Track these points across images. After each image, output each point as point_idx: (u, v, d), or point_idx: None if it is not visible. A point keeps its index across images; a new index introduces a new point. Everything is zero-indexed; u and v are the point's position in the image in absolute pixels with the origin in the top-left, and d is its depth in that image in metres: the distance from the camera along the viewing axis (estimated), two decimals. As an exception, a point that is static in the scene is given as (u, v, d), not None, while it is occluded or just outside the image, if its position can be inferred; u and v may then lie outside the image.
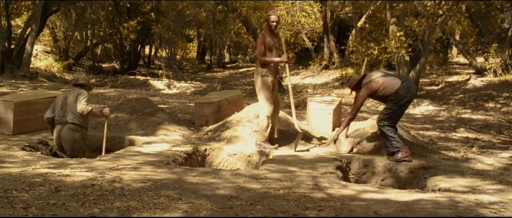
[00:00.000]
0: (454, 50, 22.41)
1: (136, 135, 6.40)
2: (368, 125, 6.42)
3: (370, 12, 19.96)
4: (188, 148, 5.76)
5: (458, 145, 7.00)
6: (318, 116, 7.13)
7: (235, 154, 5.88)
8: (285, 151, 5.83)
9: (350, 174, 5.54)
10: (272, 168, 4.79)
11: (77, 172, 4.20)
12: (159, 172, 4.38)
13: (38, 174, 4.07)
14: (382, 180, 5.46)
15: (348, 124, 5.81)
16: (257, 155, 5.79)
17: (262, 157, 5.72)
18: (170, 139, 6.30)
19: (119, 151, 5.45)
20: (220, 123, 6.95)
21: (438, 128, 8.76)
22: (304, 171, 4.71)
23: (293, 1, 20.16)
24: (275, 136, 6.17)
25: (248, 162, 5.78)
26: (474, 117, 11.52)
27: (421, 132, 7.94)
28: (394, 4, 15.01)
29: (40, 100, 6.36)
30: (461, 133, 8.27)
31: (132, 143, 6.14)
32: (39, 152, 5.28)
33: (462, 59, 21.72)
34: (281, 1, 19.75)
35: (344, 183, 4.36)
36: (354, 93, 5.80)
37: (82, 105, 5.37)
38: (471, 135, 8.07)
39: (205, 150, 5.96)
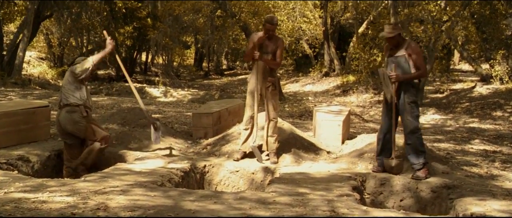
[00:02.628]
0: (456, 57, 21.97)
1: (127, 149, 5.82)
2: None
3: (371, 18, 19.50)
4: (185, 165, 5.18)
5: (479, 159, 6.46)
6: (327, 128, 6.59)
7: (237, 171, 5.32)
8: (292, 167, 5.27)
9: (365, 194, 5.00)
10: (281, 190, 4.22)
11: (56, 196, 3.62)
12: (151, 196, 3.80)
13: (9, 200, 3.48)
14: (401, 201, 4.93)
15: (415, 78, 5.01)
16: (262, 172, 5.23)
17: (267, 174, 5.16)
18: (165, 154, 5.72)
19: (107, 169, 4.85)
20: (220, 135, 6.39)
21: (451, 139, 8.23)
22: (317, 193, 4.15)
23: (295, 0, 19.62)
24: (276, 148, 5.56)
25: (252, 180, 5.22)
26: (483, 126, 10.99)
27: (435, 144, 7.39)
28: (399, 10, 14.55)
29: (21, 112, 5.73)
30: (477, 145, 7.73)
31: (122, 159, 5.54)
32: (16, 171, 4.68)
33: (464, 66, 21.26)
34: (282, 5, 19.24)
35: (364, 208, 3.80)
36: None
37: (79, 68, 5.17)
38: (488, 147, 7.53)
39: (204, 166, 5.39)
